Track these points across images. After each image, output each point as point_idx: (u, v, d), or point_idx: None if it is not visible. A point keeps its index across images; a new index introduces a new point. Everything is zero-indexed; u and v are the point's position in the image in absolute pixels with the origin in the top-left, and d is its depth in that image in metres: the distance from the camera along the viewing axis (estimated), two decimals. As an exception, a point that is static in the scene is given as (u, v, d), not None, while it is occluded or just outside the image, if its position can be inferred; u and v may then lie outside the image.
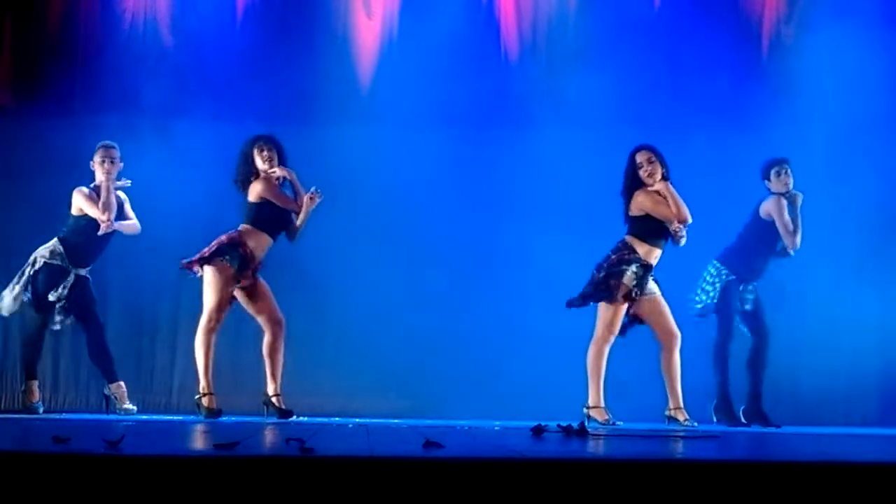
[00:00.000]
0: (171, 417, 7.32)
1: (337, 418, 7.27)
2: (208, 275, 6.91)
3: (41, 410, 7.44)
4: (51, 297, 7.32)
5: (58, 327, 7.46)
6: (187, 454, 3.18)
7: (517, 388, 8.00)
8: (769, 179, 7.45)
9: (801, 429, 6.96)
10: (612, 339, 6.85)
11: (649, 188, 6.91)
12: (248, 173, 7.06)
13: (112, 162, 7.39)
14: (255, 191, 7.02)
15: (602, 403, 6.80)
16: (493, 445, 3.94)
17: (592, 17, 8.59)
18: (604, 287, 6.81)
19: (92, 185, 7.42)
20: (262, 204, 7.00)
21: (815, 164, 8.01)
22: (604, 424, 6.63)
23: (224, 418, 6.82)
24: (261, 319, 7.06)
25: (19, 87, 8.36)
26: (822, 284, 8.20)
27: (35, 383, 7.44)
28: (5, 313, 7.43)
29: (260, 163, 7.05)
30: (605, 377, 6.87)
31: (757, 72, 8.64)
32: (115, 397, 7.39)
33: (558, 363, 7.72)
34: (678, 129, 8.16)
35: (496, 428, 5.87)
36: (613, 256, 6.85)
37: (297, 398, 7.30)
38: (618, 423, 6.74)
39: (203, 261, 6.90)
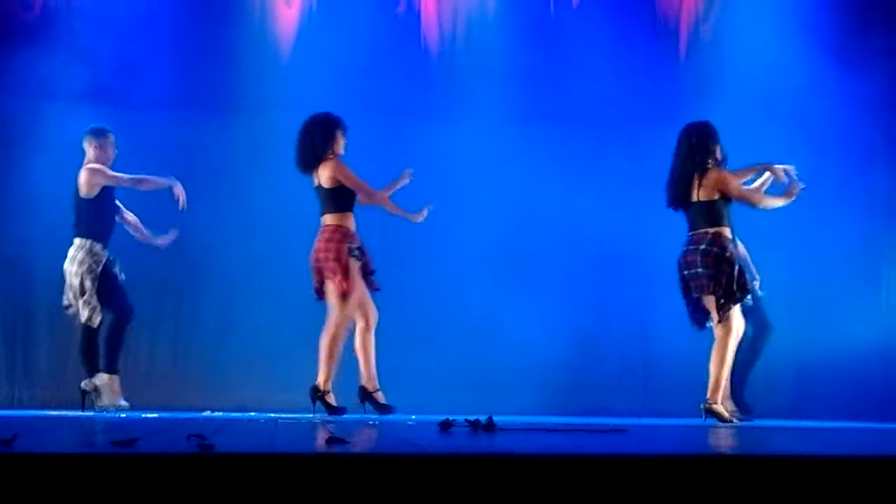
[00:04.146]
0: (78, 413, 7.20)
1: (252, 413, 7.21)
2: (349, 277, 6.77)
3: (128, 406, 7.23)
4: (119, 284, 7.22)
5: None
6: (83, 451, 3.11)
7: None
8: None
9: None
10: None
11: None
12: (323, 153, 6.90)
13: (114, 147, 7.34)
14: (330, 175, 6.87)
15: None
16: (398, 440, 3.92)
17: (512, 14, 8.63)
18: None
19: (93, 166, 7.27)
20: (340, 187, 6.88)
21: (733, 159, 8.11)
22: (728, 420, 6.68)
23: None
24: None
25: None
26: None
27: (104, 380, 7.22)
28: (94, 325, 7.21)
29: (339, 147, 6.93)
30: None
31: (675, 69, 8.75)
32: (98, 393, 7.17)
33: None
34: (596, 125, 8.23)
35: (410, 423, 5.84)
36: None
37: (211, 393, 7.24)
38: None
39: (344, 273, 6.76)
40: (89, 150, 7.33)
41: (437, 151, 8.45)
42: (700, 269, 6.75)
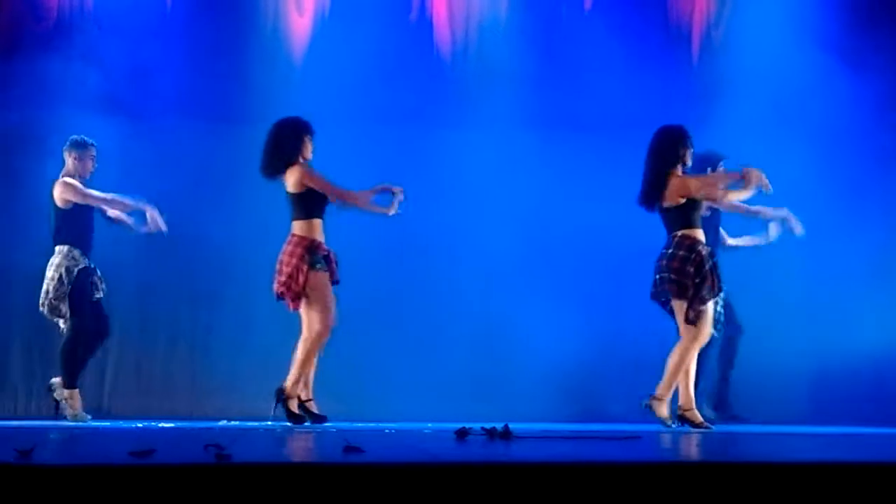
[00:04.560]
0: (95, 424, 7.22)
1: (268, 422, 7.22)
2: (315, 289, 6.70)
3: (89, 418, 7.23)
4: (98, 296, 7.24)
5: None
6: (101, 463, 3.13)
7: (470, 389, 8.11)
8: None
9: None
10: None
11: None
12: (291, 158, 6.80)
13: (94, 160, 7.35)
14: (296, 180, 6.77)
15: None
16: (414, 449, 3.93)
17: (523, 19, 8.63)
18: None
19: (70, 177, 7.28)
20: (306, 192, 6.79)
21: (744, 162, 8.12)
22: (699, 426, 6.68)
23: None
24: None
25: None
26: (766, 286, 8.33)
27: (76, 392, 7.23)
28: (70, 332, 7.20)
29: (307, 151, 6.85)
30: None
31: (687, 73, 8.75)
32: (68, 404, 7.18)
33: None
34: (610, 129, 8.23)
35: (426, 431, 5.85)
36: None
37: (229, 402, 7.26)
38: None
39: (299, 289, 6.69)
40: (68, 160, 7.33)
41: (450, 158, 8.45)
42: (665, 274, 6.77)
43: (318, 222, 6.83)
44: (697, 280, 6.71)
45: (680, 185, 6.79)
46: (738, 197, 7.02)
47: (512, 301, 8.30)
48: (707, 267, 6.74)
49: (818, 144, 8.58)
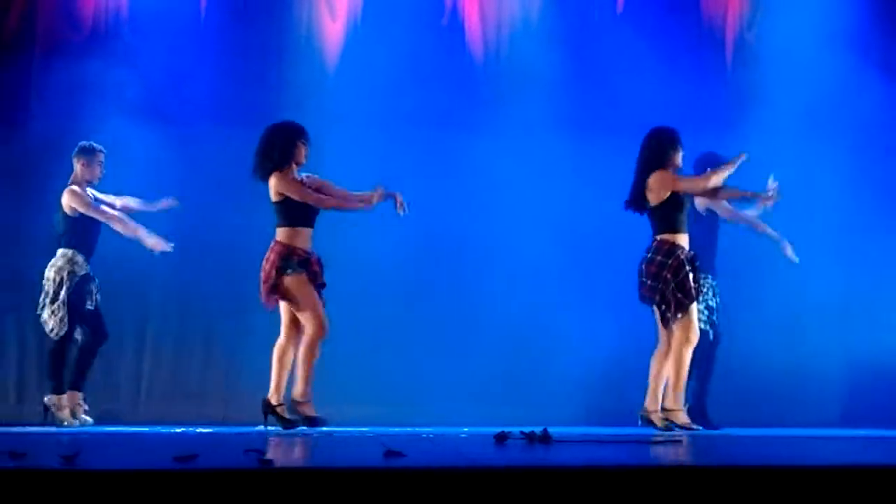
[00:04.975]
0: (133, 429, 7.25)
1: (303, 427, 7.23)
2: (290, 292, 6.70)
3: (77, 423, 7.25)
4: (89, 307, 7.28)
5: (80, 337, 7.34)
6: (146, 468, 3.14)
7: (502, 393, 8.10)
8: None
9: (758, 431, 7.00)
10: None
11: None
12: (280, 163, 6.73)
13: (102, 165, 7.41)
14: (274, 188, 6.72)
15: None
16: (455, 454, 3.92)
17: (556, 21, 8.62)
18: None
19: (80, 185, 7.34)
20: (286, 201, 6.72)
21: (779, 166, 8.09)
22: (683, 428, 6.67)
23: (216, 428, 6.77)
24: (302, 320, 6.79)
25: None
26: (785, 283, 8.27)
27: (65, 397, 7.25)
28: (56, 337, 7.23)
29: (300, 157, 6.78)
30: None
31: (721, 75, 8.71)
32: (56, 408, 7.21)
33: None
34: (642, 132, 8.19)
35: (463, 435, 5.84)
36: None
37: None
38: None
39: (267, 292, 6.71)
40: (76, 166, 7.38)
41: (482, 161, 8.44)
42: (643, 279, 6.76)
43: (301, 230, 6.75)
44: (674, 285, 6.67)
45: (658, 180, 6.74)
46: (719, 178, 6.92)
47: (546, 304, 8.28)
48: (684, 273, 6.68)
49: (852, 149, 8.55)
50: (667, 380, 6.77)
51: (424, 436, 5.62)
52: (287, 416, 6.75)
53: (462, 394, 8.02)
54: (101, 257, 7.50)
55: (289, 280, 6.67)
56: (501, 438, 4.74)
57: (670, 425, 6.69)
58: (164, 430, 6.75)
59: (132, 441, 5.07)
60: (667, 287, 6.66)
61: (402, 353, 8.27)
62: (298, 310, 6.73)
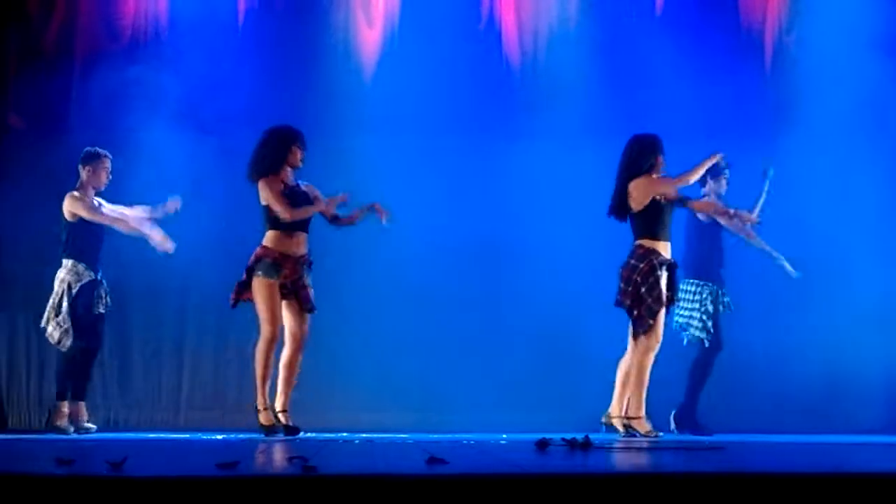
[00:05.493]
0: (175, 436, 7.29)
1: (344, 434, 7.24)
2: (255, 293, 6.76)
3: (72, 431, 7.26)
4: (99, 311, 7.31)
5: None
6: (189, 475, 3.15)
7: (532, 399, 8.07)
8: (706, 183, 7.59)
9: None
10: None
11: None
12: (272, 167, 6.80)
13: (108, 171, 7.39)
14: (259, 193, 6.81)
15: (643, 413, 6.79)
16: (498, 460, 3.92)
17: (593, 26, 8.60)
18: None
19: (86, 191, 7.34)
20: (269, 206, 6.79)
21: (816, 172, 8.09)
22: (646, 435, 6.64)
23: (230, 435, 6.78)
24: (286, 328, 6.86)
25: (20, 106, 8.37)
26: (825, 290, 8.22)
27: (66, 405, 7.28)
28: (64, 348, 7.24)
29: (295, 160, 6.84)
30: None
31: (760, 80, 8.67)
32: (56, 415, 7.22)
33: (573, 374, 7.84)
34: (680, 138, 8.16)
35: (502, 442, 5.84)
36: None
37: (302, 414, 7.26)
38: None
39: (240, 287, 6.80)
40: (82, 173, 7.35)
41: (518, 167, 8.44)
42: (619, 283, 6.77)
43: (286, 234, 6.79)
44: (644, 290, 6.64)
45: (636, 186, 6.76)
46: (692, 176, 6.94)
47: (583, 308, 8.24)
48: (654, 278, 6.66)
49: (893, 152, 8.49)
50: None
51: (465, 442, 5.61)
52: (263, 421, 6.79)
53: (497, 400, 8.02)
54: (123, 265, 7.56)
55: (255, 281, 6.77)
56: (543, 445, 4.74)
57: (632, 433, 6.68)
58: (202, 437, 6.78)
59: (172, 448, 5.09)
60: (637, 291, 6.67)
61: (435, 359, 8.26)
62: (258, 311, 6.80)
